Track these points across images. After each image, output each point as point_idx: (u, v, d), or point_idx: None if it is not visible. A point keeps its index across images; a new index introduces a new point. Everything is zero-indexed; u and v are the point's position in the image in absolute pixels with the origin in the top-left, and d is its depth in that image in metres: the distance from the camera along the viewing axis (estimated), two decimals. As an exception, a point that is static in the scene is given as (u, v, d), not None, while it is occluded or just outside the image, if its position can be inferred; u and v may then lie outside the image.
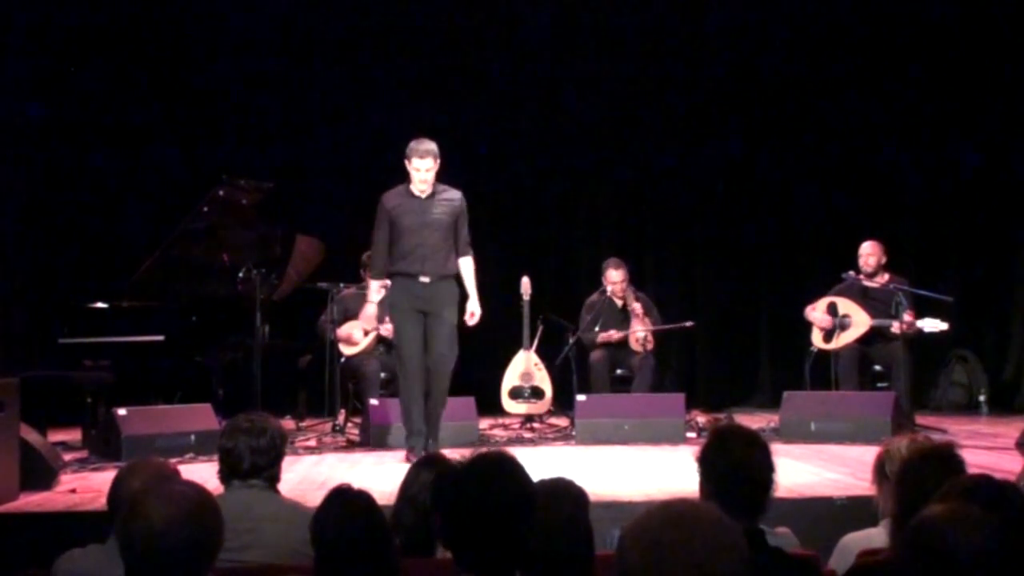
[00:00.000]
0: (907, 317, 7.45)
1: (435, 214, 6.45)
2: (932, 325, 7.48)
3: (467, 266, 6.62)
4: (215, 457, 3.50)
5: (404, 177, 6.59)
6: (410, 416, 6.47)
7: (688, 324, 8.49)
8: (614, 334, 8.26)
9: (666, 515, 1.73)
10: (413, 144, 6.42)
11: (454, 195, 6.56)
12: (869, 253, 7.86)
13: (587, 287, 8.69)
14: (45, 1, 9.35)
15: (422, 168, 6.36)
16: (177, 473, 2.98)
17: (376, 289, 6.72)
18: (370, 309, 6.76)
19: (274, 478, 3.44)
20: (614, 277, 8.32)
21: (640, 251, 9.72)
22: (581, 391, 7.88)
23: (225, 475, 3.41)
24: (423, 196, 6.45)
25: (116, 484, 3.02)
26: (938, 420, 8.21)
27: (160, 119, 9.64)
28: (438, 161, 6.41)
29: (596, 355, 8.27)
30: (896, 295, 7.52)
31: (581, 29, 10.05)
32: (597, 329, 8.27)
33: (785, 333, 9.43)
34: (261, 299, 7.66)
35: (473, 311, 6.61)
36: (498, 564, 2.23)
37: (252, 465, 3.37)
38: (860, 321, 7.71)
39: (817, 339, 7.88)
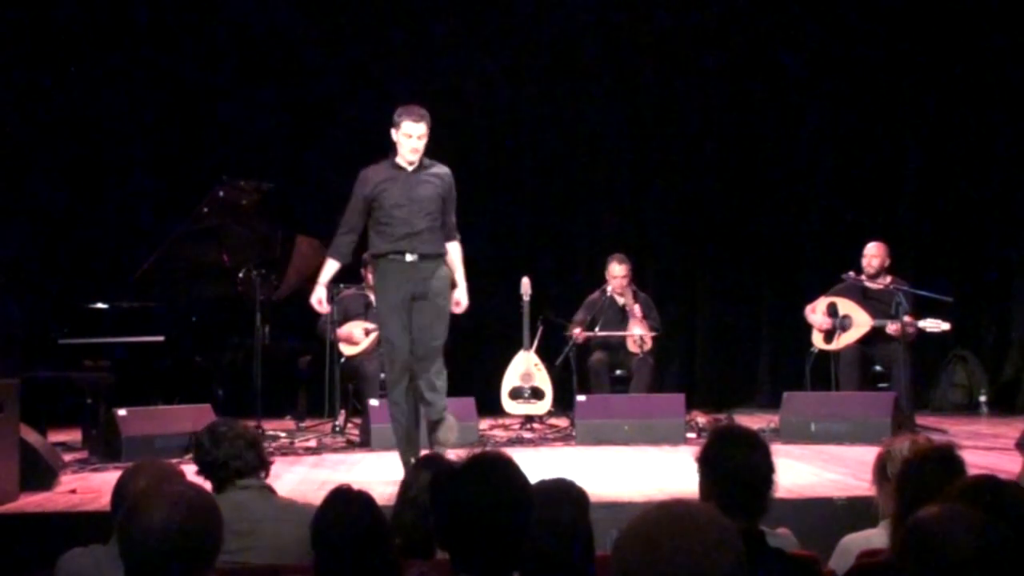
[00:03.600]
0: (907, 319, 7.45)
1: (423, 190, 5.80)
2: (934, 325, 7.47)
3: (455, 251, 5.99)
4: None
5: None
6: (399, 421, 5.87)
7: (656, 333, 8.33)
8: (579, 334, 8.15)
9: (661, 516, 1.73)
10: (402, 109, 5.79)
11: (442, 170, 5.91)
12: (873, 255, 7.83)
13: (587, 287, 8.68)
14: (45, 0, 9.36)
15: (414, 134, 5.73)
16: (182, 475, 2.97)
17: (330, 269, 6.08)
18: (319, 291, 6.06)
19: (267, 472, 3.48)
20: (616, 271, 8.31)
21: (640, 251, 9.71)
22: (581, 391, 7.88)
23: (219, 484, 3.42)
24: (410, 169, 5.82)
25: (120, 485, 3.01)
26: (938, 420, 8.21)
27: (160, 119, 9.64)
28: (429, 130, 5.80)
29: (595, 356, 8.27)
30: (896, 295, 7.52)
31: (582, 26, 10.05)
32: (597, 330, 8.25)
33: (785, 333, 9.43)
34: (261, 299, 7.67)
35: (459, 300, 5.96)
36: (495, 565, 2.23)
37: (257, 458, 3.42)
38: (861, 322, 7.71)
39: (818, 340, 7.88)
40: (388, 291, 5.83)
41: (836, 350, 7.77)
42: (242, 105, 9.74)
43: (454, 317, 5.98)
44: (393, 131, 5.84)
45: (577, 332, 8.17)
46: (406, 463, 5.69)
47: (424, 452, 3.53)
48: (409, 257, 5.76)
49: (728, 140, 10.09)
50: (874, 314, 7.69)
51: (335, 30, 9.88)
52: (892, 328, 7.48)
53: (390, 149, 5.91)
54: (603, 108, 10.13)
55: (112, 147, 9.58)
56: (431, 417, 5.80)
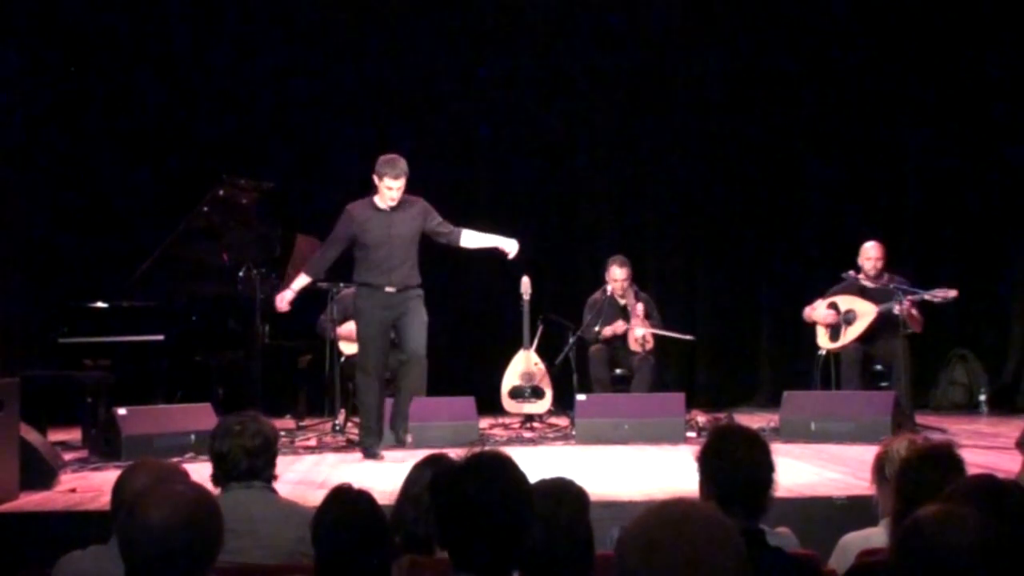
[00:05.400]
0: (912, 299, 7.41)
1: (399, 227, 6.62)
2: (941, 294, 7.42)
3: (469, 233, 6.85)
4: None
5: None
6: (369, 417, 6.67)
7: (688, 336, 8.42)
8: (620, 325, 8.22)
9: (664, 515, 1.73)
10: (385, 161, 6.52)
11: (414, 204, 6.69)
12: (876, 256, 7.79)
13: (588, 287, 8.68)
14: (46, 0, 9.36)
15: (394, 187, 6.49)
16: (184, 474, 2.96)
17: (302, 282, 6.91)
18: (287, 294, 6.92)
19: (271, 477, 3.45)
20: (617, 275, 8.32)
21: (640, 251, 9.71)
22: (581, 390, 7.88)
23: (219, 478, 3.39)
24: (390, 208, 6.59)
25: (119, 484, 2.99)
26: (938, 420, 8.21)
27: (160, 119, 9.64)
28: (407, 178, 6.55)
29: (595, 348, 8.26)
30: (896, 293, 7.51)
31: (583, 27, 10.05)
32: (597, 329, 8.26)
33: (785, 333, 9.44)
34: (261, 299, 7.67)
35: (501, 245, 6.89)
36: (495, 564, 2.23)
37: (250, 467, 3.37)
38: (866, 311, 7.69)
39: (823, 340, 7.86)
40: (369, 316, 6.62)
41: (845, 345, 7.75)
42: (242, 105, 9.74)
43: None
44: (375, 177, 6.56)
45: (608, 331, 8.19)
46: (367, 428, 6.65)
47: (428, 452, 3.57)
48: (388, 288, 6.58)
49: (728, 140, 10.09)
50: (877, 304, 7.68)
51: (335, 30, 9.87)
52: (898, 309, 7.40)
53: (371, 188, 6.60)
54: (603, 108, 10.13)
55: (112, 146, 9.57)
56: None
